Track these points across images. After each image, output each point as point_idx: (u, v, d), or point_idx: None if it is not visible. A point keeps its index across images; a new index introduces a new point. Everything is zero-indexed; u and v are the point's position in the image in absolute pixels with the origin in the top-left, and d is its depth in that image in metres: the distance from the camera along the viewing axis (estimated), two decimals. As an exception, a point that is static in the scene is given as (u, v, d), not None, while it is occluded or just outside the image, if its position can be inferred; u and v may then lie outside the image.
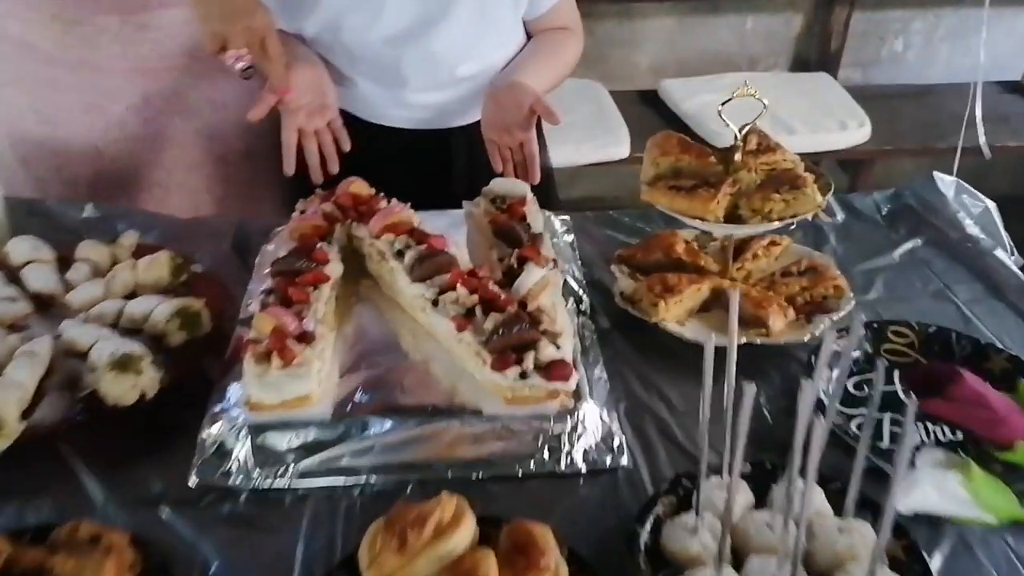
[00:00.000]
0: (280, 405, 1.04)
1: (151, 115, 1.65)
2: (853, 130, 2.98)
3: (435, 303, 1.14)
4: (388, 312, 1.23)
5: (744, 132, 1.24)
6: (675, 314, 1.24)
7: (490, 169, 1.55)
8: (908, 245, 1.51)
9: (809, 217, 1.21)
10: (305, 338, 1.08)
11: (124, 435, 1.07)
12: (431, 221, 1.36)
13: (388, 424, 1.04)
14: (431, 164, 1.68)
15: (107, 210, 1.55)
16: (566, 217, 1.53)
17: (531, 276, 1.15)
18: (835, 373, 1.08)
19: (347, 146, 1.56)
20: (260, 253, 1.42)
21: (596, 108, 3.12)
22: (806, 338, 1.20)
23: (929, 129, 3.05)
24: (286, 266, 1.19)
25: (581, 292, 1.31)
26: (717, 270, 1.33)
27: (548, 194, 1.70)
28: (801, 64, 3.63)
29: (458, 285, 1.14)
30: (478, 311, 1.11)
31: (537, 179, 1.53)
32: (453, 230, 1.43)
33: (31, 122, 1.63)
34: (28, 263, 1.24)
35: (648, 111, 3.20)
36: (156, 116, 1.66)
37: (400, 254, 1.22)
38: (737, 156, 1.24)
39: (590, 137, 2.92)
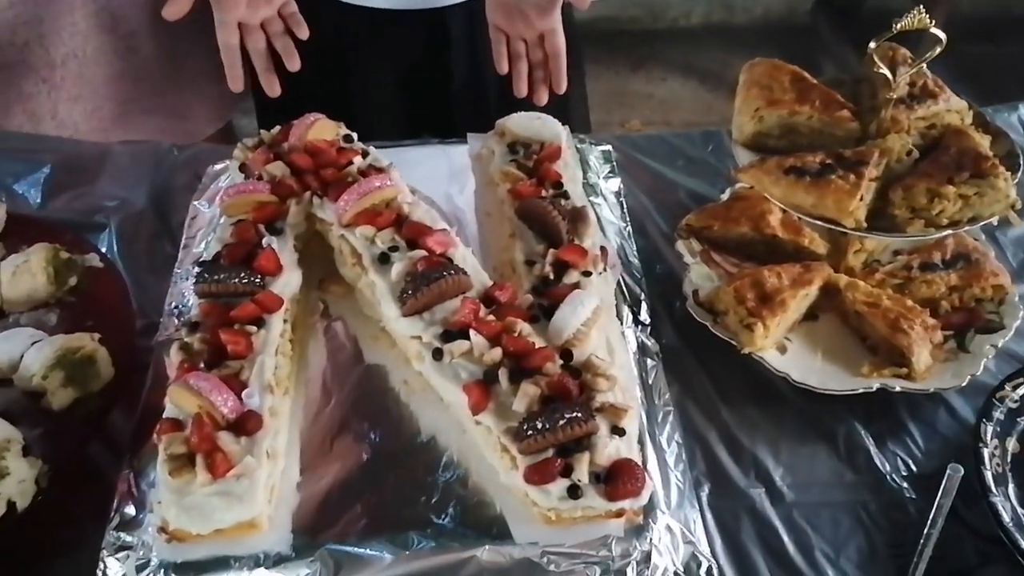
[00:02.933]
0: (213, 535, 0.70)
1: None
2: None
3: (437, 355, 0.77)
4: (368, 343, 0.87)
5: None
6: (775, 337, 0.88)
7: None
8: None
9: (994, 221, 0.81)
10: (245, 427, 0.72)
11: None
12: (422, 164, 0.99)
13: (376, 554, 0.71)
14: (421, 62, 1.25)
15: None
16: (607, 148, 1.12)
17: (579, 309, 0.78)
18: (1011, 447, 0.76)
19: (304, 33, 1.11)
20: (189, 214, 1.03)
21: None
22: (964, 383, 0.85)
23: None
24: (217, 285, 0.81)
25: (639, 290, 0.94)
26: (825, 253, 0.95)
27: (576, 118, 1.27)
28: None
29: (472, 330, 0.76)
30: (502, 376, 0.74)
31: (563, 87, 1.11)
32: (454, 182, 1.04)
33: None
34: None
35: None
36: None
37: (384, 259, 0.83)
38: (886, 111, 0.82)
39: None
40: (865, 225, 0.80)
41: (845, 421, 0.87)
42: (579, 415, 0.71)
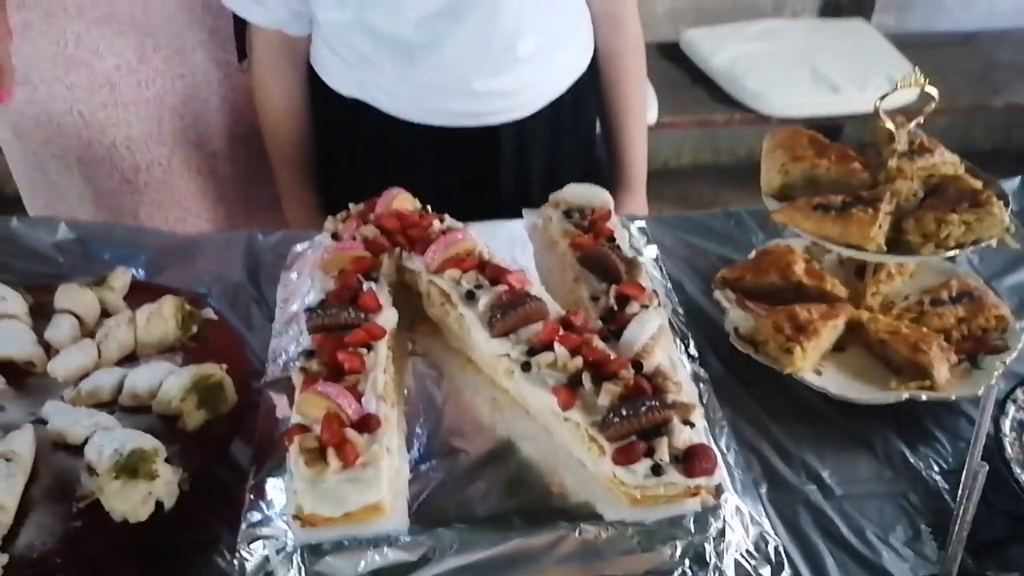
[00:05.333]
0: (342, 519, 0.79)
1: (147, 77, 1.38)
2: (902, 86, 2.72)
3: (526, 367, 0.89)
4: (456, 371, 0.99)
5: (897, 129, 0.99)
6: (812, 360, 1.00)
7: (547, 168, 1.30)
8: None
9: (993, 243, 0.97)
10: (367, 425, 0.83)
11: (136, 557, 0.83)
12: (484, 233, 1.11)
13: (483, 537, 0.81)
14: (472, 169, 1.40)
15: (84, 229, 1.27)
16: (642, 224, 1.28)
17: (646, 327, 0.91)
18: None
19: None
20: (281, 284, 1.16)
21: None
22: (980, 391, 0.97)
23: (982, 83, 2.80)
24: (329, 319, 0.93)
25: (685, 330, 1.07)
26: (846, 296, 1.09)
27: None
28: (830, 8, 3.34)
29: (555, 343, 0.89)
30: (585, 379, 0.86)
31: None
32: (516, 249, 1.18)
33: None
34: (-5, 319, 0.98)
35: (671, 67, 2.92)
36: (154, 79, 1.38)
37: (471, 296, 0.96)
38: (891, 161, 0.98)
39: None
40: (885, 249, 0.95)
41: (879, 431, 0.98)
42: (657, 404, 0.83)
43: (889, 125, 0.98)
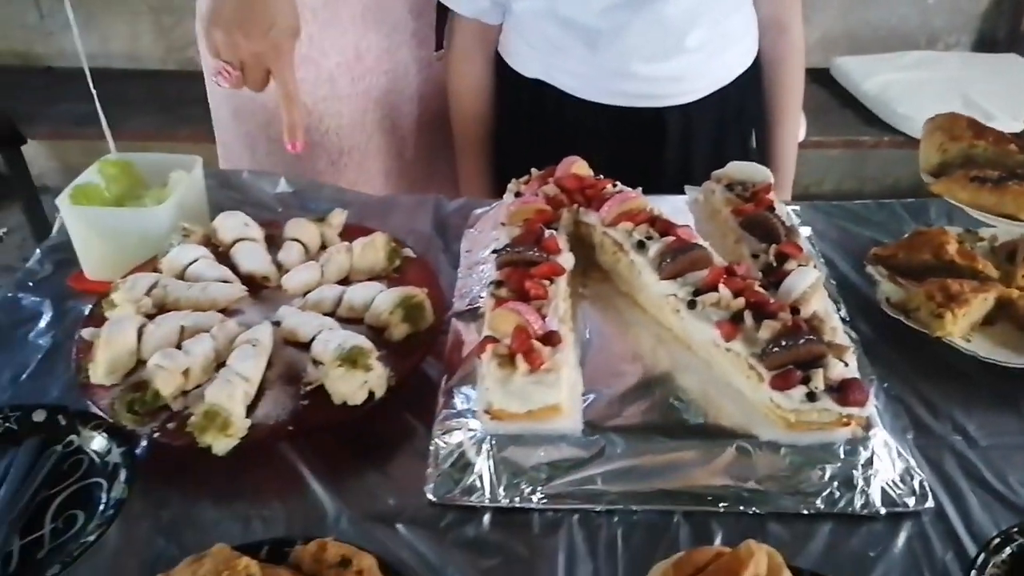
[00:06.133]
0: (525, 416, 0.91)
1: (359, 73, 1.56)
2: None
3: (691, 304, 0.99)
4: (624, 312, 1.10)
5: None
6: (961, 328, 1.06)
7: (709, 153, 1.40)
8: None
9: None
10: (550, 339, 0.95)
11: (348, 438, 0.97)
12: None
13: (650, 445, 0.91)
14: (641, 146, 1.53)
15: (299, 185, 1.46)
16: (796, 207, 1.36)
17: (804, 277, 1.00)
18: None
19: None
20: (464, 238, 1.30)
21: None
22: None
23: None
24: (516, 255, 1.06)
25: (836, 296, 1.14)
26: (997, 276, 1.14)
27: None
28: (984, 44, 3.31)
29: (720, 285, 0.99)
30: (747, 316, 0.95)
31: None
32: (678, 220, 1.28)
33: None
34: (237, 241, 1.15)
35: (821, 91, 2.96)
36: (364, 75, 1.57)
37: (641, 245, 1.08)
38: (1048, 143, 1.04)
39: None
40: (1038, 220, 1.01)
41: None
42: (814, 338, 0.91)
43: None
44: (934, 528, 0.87)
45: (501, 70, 1.58)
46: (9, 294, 1.20)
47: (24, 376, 1.07)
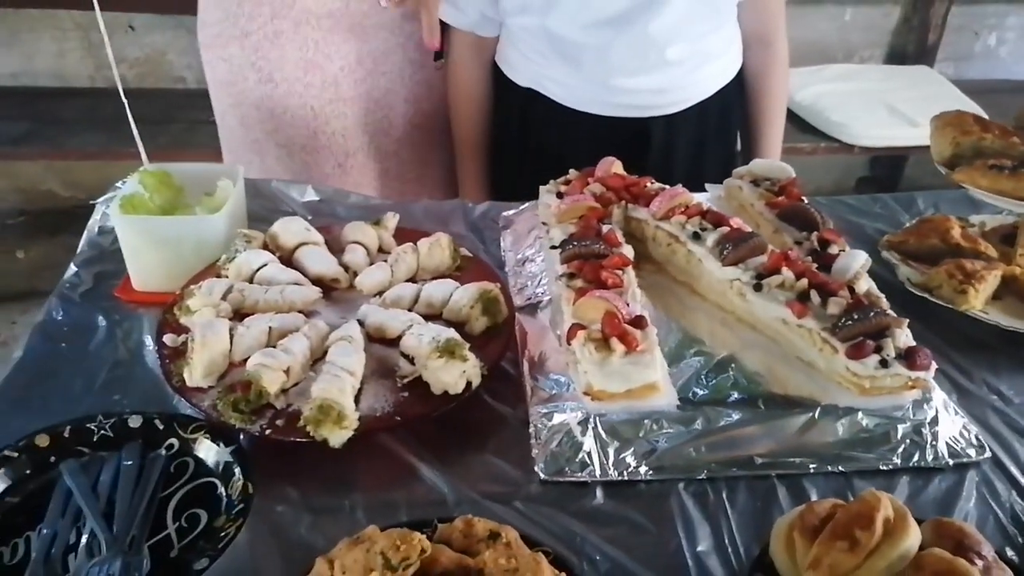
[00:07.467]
0: (625, 394, 0.97)
1: (361, 76, 1.60)
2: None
3: (758, 287, 1.07)
4: (685, 299, 1.17)
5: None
6: (981, 302, 1.18)
7: (690, 161, 1.51)
8: None
9: None
10: (639, 323, 1.01)
11: (447, 426, 1.00)
12: None
13: (738, 416, 0.98)
14: (626, 154, 1.60)
15: (325, 192, 1.48)
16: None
17: (856, 259, 1.09)
18: None
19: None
20: (503, 238, 1.35)
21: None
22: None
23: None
24: (583, 249, 1.12)
25: (864, 278, 1.24)
26: (998, 256, 1.27)
27: None
28: (895, 57, 3.57)
29: (783, 268, 1.07)
30: (813, 295, 1.04)
31: None
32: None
33: (252, 81, 1.58)
34: (301, 245, 1.17)
35: (756, 102, 3.13)
36: (365, 77, 1.61)
37: (697, 236, 1.15)
38: (1048, 136, 1.18)
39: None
40: (1051, 202, 1.14)
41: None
42: (881, 311, 1.01)
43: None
44: (995, 475, 0.97)
45: (497, 77, 1.65)
46: (58, 309, 1.18)
47: (98, 385, 1.06)
